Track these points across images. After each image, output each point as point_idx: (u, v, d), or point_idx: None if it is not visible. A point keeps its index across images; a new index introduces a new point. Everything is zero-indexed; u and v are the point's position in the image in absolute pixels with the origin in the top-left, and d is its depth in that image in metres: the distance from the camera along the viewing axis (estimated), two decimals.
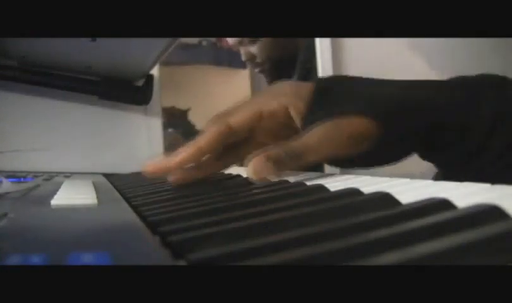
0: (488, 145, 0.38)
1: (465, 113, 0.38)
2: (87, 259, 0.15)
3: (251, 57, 1.38)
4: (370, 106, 0.36)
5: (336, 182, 0.30)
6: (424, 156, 0.41)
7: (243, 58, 1.40)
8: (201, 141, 0.37)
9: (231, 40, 1.39)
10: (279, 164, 0.33)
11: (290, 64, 1.34)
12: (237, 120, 0.37)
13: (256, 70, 1.43)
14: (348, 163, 0.38)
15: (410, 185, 0.26)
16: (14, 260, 0.15)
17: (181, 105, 1.77)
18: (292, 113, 0.38)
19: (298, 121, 0.38)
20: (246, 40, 1.34)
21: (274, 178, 0.33)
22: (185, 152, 0.37)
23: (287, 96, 0.38)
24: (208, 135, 0.37)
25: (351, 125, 0.35)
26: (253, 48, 1.36)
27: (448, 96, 0.38)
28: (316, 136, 0.35)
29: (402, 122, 0.37)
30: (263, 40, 1.34)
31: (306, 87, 0.39)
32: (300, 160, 0.34)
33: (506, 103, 0.39)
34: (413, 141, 0.38)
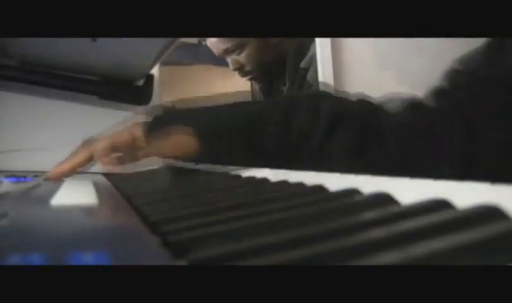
0: (302, 146, 0.51)
1: (280, 122, 0.52)
2: (87, 259, 0.15)
3: (240, 66, 1.38)
4: (186, 122, 0.54)
5: (336, 181, 0.30)
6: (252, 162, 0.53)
7: (231, 67, 1.40)
8: (74, 161, 0.56)
9: (216, 50, 1.38)
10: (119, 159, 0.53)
11: (280, 69, 1.34)
12: (97, 149, 0.55)
13: (246, 78, 1.43)
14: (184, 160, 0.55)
15: (410, 185, 0.26)
16: (14, 260, 0.15)
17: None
18: (138, 141, 0.55)
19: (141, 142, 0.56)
20: (231, 48, 1.34)
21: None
22: (64, 166, 0.56)
23: (132, 131, 0.55)
24: (78, 157, 0.56)
25: (173, 138, 0.53)
26: (241, 57, 1.36)
27: (263, 110, 0.54)
28: (151, 142, 0.54)
29: (215, 132, 0.53)
30: (250, 48, 1.33)
31: (145, 121, 0.57)
32: (136, 155, 0.54)
33: (314, 113, 0.52)
34: (226, 149, 0.53)
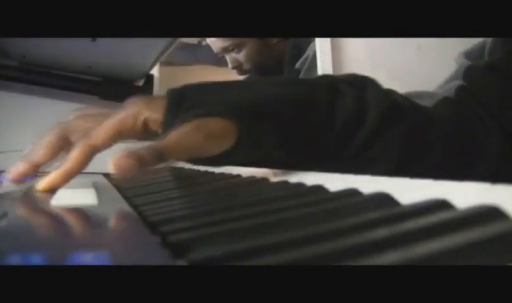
0: (346, 141, 0.41)
1: (323, 110, 0.41)
2: (87, 259, 0.15)
3: (238, 64, 1.38)
4: (223, 108, 0.39)
5: (336, 182, 0.30)
6: (288, 155, 0.42)
7: (230, 65, 1.40)
8: (69, 165, 0.39)
9: (215, 48, 1.39)
10: (140, 161, 0.34)
11: (277, 69, 1.35)
12: (99, 141, 0.40)
13: (245, 76, 1.44)
14: (210, 161, 0.40)
15: (410, 185, 0.26)
16: (14, 260, 0.15)
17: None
18: (151, 125, 0.41)
19: (158, 131, 0.41)
20: (230, 47, 1.34)
21: (136, 174, 0.34)
22: (56, 174, 0.39)
23: (142, 112, 0.41)
24: (74, 159, 0.39)
25: (208, 126, 0.38)
26: (239, 56, 1.36)
27: (306, 94, 0.41)
28: (176, 136, 0.37)
29: (256, 120, 0.39)
30: (249, 47, 1.34)
31: (159, 99, 0.42)
32: (161, 158, 0.36)
33: (362, 102, 0.42)
34: (272, 139, 0.40)
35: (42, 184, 0.39)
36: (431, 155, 0.43)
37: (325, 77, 0.45)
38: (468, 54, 0.51)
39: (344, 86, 0.43)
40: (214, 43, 1.37)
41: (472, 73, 0.47)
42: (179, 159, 0.39)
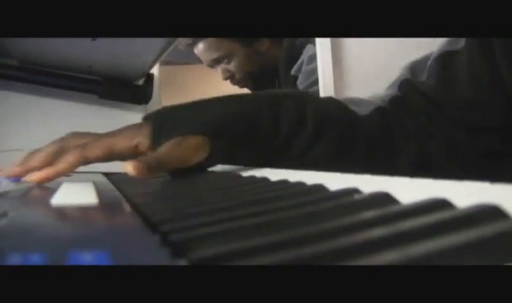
0: (290, 146, 0.52)
1: (270, 122, 0.51)
2: (87, 259, 0.15)
3: (230, 75, 1.38)
4: (198, 126, 0.49)
5: (336, 181, 0.30)
6: (248, 160, 0.53)
7: (222, 77, 1.40)
8: (60, 167, 0.46)
9: (204, 60, 1.38)
10: (149, 167, 0.42)
11: (271, 76, 1.34)
12: (92, 154, 0.48)
13: (238, 86, 1.43)
14: (189, 171, 0.49)
15: (410, 184, 0.26)
16: (14, 260, 0.15)
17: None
18: (141, 148, 0.50)
19: (146, 152, 0.50)
20: (220, 58, 1.33)
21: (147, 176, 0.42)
22: (47, 172, 0.45)
23: (134, 137, 0.50)
24: (66, 163, 0.46)
25: (187, 142, 0.48)
26: (230, 66, 1.35)
27: (258, 110, 0.52)
28: (164, 150, 0.47)
29: (225, 134, 0.50)
30: (239, 56, 1.33)
31: (146, 126, 0.51)
32: (160, 166, 0.45)
33: (302, 113, 0.52)
34: (234, 150, 0.51)
35: (34, 176, 0.44)
36: (358, 156, 0.53)
37: (269, 93, 0.56)
38: (412, 67, 0.58)
39: (286, 100, 0.53)
40: (203, 55, 1.36)
41: (405, 86, 0.57)
42: (168, 168, 0.48)
